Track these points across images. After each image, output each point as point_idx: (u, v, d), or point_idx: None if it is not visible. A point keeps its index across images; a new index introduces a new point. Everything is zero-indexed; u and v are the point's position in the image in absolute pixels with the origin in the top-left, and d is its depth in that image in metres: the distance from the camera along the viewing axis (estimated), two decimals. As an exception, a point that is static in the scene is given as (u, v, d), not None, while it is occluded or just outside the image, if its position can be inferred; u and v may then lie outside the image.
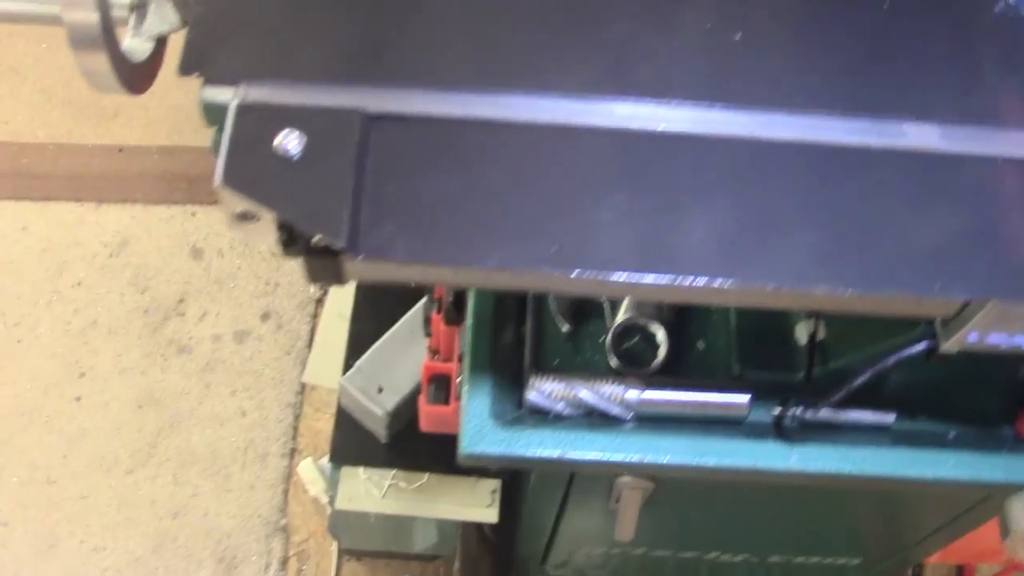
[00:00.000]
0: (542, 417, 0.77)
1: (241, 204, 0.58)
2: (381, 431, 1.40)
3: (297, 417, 1.79)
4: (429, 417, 1.23)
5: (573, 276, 0.58)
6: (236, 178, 0.58)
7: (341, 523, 1.46)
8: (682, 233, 0.59)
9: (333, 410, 1.65)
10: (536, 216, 0.60)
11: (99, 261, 1.87)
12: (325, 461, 1.71)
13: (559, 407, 0.77)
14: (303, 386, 1.79)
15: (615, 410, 0.76)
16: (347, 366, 1.41)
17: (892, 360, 0.67)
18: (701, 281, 0.58)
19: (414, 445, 1.38)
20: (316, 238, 0.58)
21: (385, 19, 0.65)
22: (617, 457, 0.74)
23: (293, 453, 1.76)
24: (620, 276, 0.58)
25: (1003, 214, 0.62)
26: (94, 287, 1.84)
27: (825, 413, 0.76)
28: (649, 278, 0.58)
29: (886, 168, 0.62)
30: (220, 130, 0.61)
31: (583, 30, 0.66)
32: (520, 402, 0.77)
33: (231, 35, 0.63)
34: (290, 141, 0.59)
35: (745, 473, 0.75)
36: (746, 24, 0.66)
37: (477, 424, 0.75)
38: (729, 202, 0.61)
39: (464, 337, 0.79)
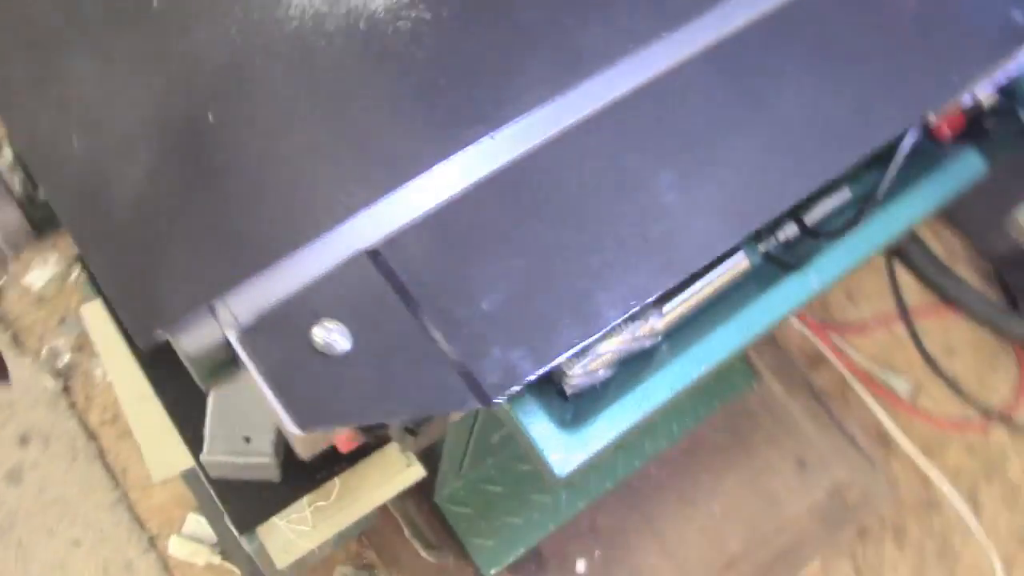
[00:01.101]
0: (595, 394, 0.72)
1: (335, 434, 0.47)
2: (272, 473, 1.28)
3: (131, 508, 1.61)
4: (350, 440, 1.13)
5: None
6: (310, 415, 0.46)
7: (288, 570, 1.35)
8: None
9: (154, 481, 1.49)
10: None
11: None
12: (193, 522, 1.57)
13: (601, 374, 0.72)
14: (115, 481, 1.60)
15: (649, 343, 0.73)
16: (189, 440, 1.26)
17: (900, 160, 0.66)
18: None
19: (303, 463, 1.26)
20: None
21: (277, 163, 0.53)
22: (689, 378, 0.71)
23: (154, 543, 1.59)
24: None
25: None
26: None
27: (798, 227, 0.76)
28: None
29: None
30: (229, 367, 0.48)
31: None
32: (561, 392, 0.72)
33: (156, 259, 0.49)
34: (331, 335, 0.47)
35: (785, 317, 0.75)
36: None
37: (554, 445, 0.69)
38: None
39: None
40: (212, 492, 1.29)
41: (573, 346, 0.51)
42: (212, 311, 0.46)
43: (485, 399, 0.46)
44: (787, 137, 0.58)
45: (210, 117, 0.51)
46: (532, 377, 0.49)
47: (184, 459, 1.31)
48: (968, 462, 1.72)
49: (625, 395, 0.71)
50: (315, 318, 0.46)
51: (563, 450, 0.69)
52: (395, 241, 0.49)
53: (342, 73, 0.56)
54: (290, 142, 0.52)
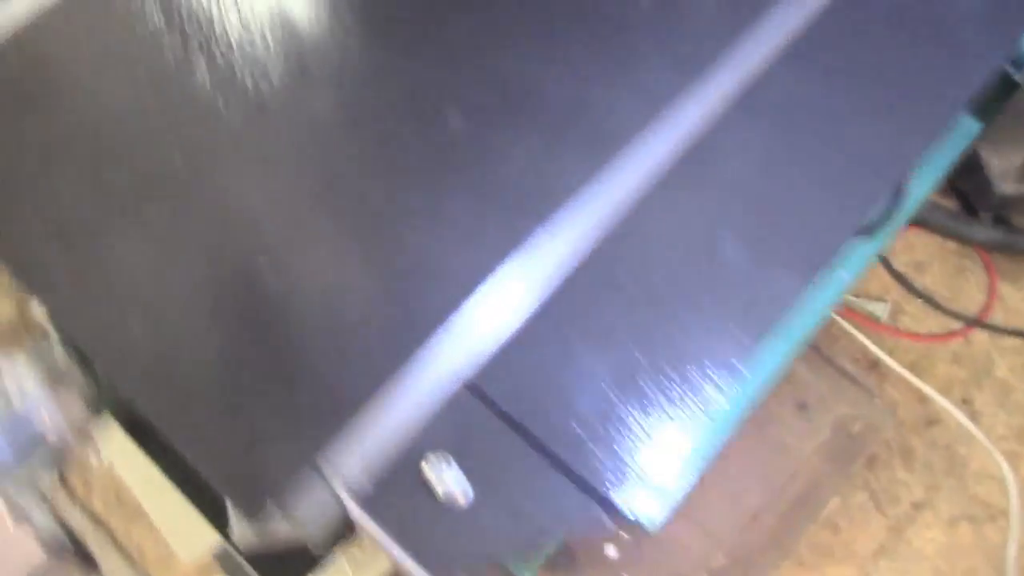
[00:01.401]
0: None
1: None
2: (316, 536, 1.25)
3: (156, 592, 1.58)
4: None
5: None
6: (446, 568, 0.45)
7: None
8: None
9: (185, 563, 1.46)
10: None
11: None
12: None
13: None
14: (133, 562, 1.57)
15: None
16: (211, 517, 1.23)
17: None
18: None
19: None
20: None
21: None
22: (751, 399, 0.71)
23: (184, 616, 1.57)
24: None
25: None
26: None
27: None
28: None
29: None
30: (344, 528, 0.47)
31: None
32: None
33: (248, 430, 0.47)
34: (450, 485, 0.46)
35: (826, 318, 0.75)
36: None
37: (637, 499, 0.68)
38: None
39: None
40: (245, 565, 1.27)
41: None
42: (320, 473, 0.45)
43: (613, 509, 0.45)
44: (832, 169, 0.57)
45: (264, 265, 0.50)
46: (655, 473, 0.48)
47: (210, 536, 1.29)
48: (957, 371, 1.76)
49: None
50: (425, 459, 0.44)
51: (648, 502, 0.68)
52: (489, 369, 0.48)
53: (379, 193, 0.54)
54: (348, 277, 0.51)
